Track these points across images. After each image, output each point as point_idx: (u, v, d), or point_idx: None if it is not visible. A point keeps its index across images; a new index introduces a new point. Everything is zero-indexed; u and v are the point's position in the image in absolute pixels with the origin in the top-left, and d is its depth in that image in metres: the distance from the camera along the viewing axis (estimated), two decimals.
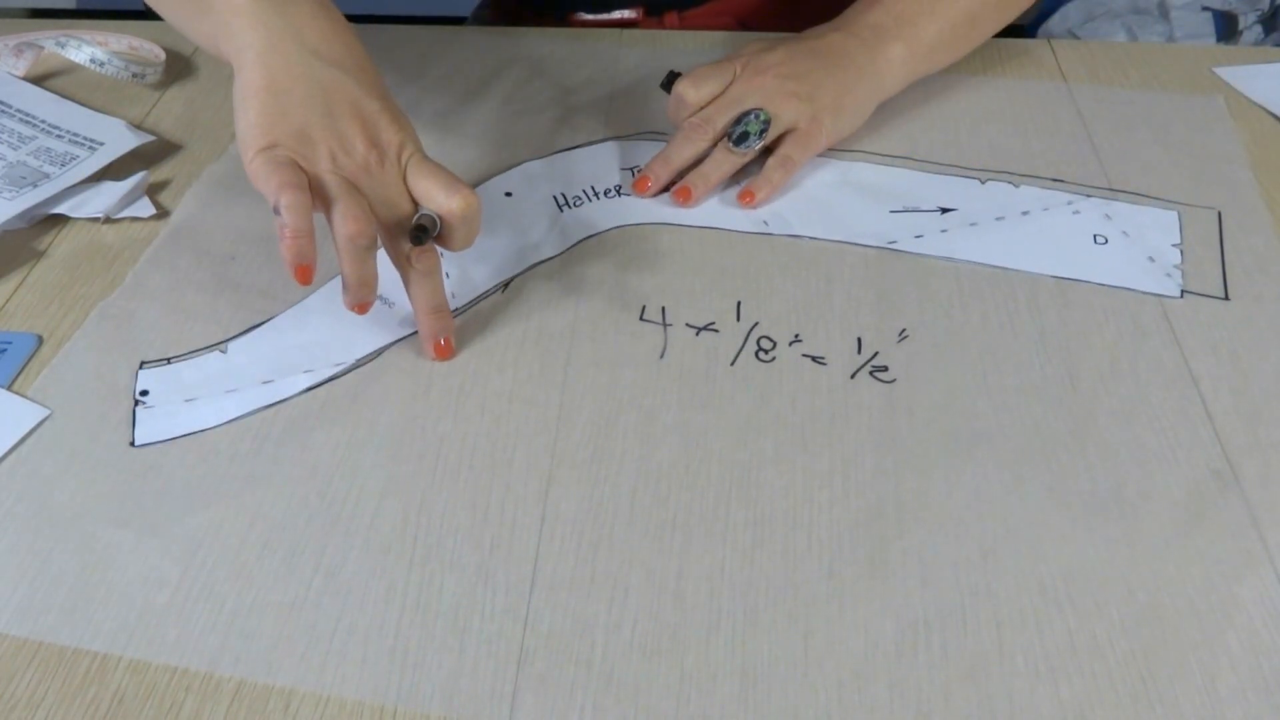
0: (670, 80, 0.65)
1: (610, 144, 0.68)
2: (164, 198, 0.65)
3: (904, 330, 0.54)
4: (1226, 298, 0.56)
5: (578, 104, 0.72)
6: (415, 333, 0.54)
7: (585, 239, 0.60)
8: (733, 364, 0.53)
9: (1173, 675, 0.40)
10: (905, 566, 0.44)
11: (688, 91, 0.63)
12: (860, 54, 0.64)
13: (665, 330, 0.55)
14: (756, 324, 0.55)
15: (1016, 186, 0.63)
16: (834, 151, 0.66)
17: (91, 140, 0.67)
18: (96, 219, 0.62)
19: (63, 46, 0.74)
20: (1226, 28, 1.59)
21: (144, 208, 0.63)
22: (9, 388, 0.52)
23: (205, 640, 0.42)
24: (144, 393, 0.52)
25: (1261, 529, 0.45)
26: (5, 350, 0.54)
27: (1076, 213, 0.61)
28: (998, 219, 0.61)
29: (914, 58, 0.65)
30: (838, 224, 0.61)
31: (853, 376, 0.52)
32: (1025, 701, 0.39)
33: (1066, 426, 0.49)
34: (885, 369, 0.52)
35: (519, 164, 0.66)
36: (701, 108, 0.63)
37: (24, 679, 0.41)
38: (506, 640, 0.42)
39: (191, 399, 0.51)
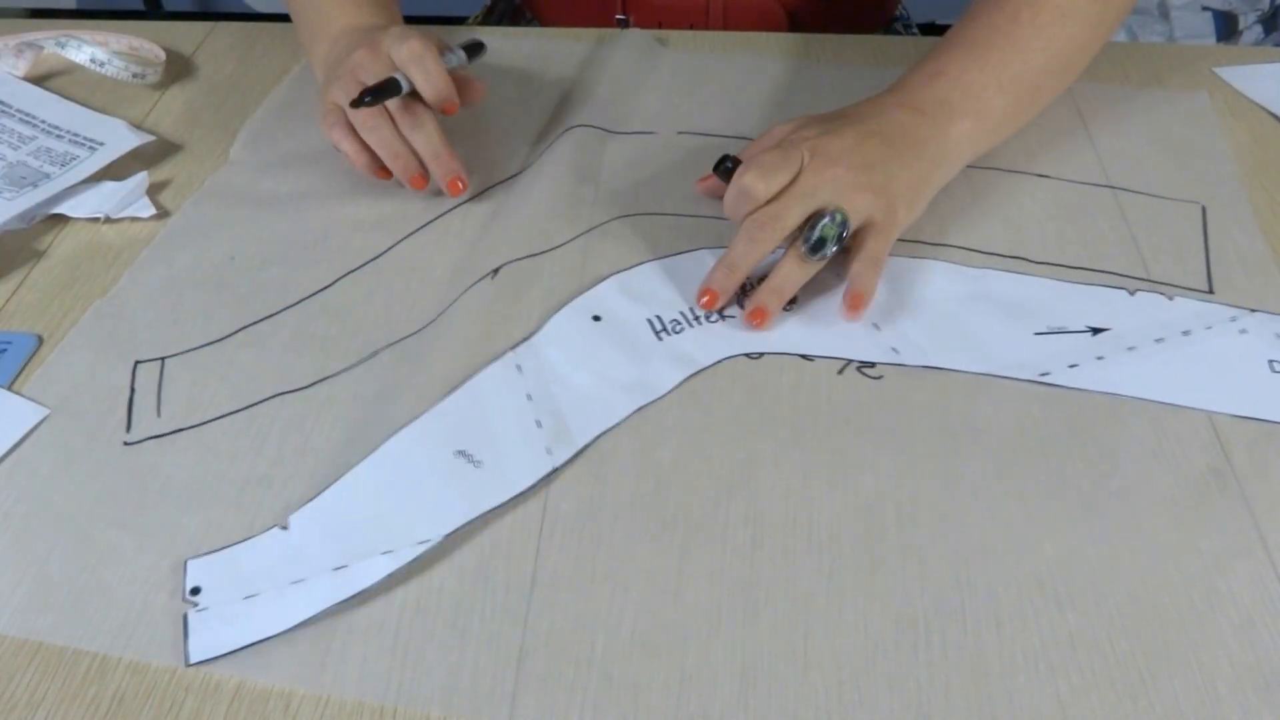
0: (728, 169, 0.57)
1: (703, 254, 0.59)
2: (164, 198, 0.65)
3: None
4: (1211, 290, 0.56)
5: (577, 104, 0.72)
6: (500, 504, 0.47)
7: (694, 375, 0.52)
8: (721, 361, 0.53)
9: (1171, 673, 0.40)
10: (904, 565, 0.44)
11: (756, 185, 0.54)
12: (931, 137, 0.58)
13: None
14: None
15: (1170, 299, 0.56)
16: (926, 246, 0.60)
17: (91, 140, 0.67)
18: (96, 219, 0.62)
19: (63, 46, 0.74)
20: (1226, 28, 1.60)
21: (144, 208, 0.63)
22: (9, 387, 0.52)
23: None
24: (195, 591, 0.43)
25: (1260, 527, 0.45)
26: (5, 350, 0.54)
27: (1244, 331, 0.54)
28: (1157, 341, 0.54)
29: (981, 133, 0.60)
30: (979, 351, 0.53)
31: (840, 373, 0.52)
32: (1025, 699, 0.39)
33: (1065, 424, 0.49)
34: (872, 365, 0.52)
35: (603, 278, 0.57)
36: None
37: (24, 678, 0.41)
38: (506, 640, 0.42)
39: (251, 595, 0.43)
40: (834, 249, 0.54)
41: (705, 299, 0.55)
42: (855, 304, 0.54)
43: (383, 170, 0.62)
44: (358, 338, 0.54)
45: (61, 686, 0.40)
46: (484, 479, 0.47)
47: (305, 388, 0.52)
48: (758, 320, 0.54)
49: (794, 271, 0.54)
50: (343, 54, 0.64)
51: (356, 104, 0.58)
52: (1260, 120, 0.70)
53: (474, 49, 0.65)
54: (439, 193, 0.63)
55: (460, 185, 0.62)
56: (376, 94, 0.58)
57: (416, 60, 0.59)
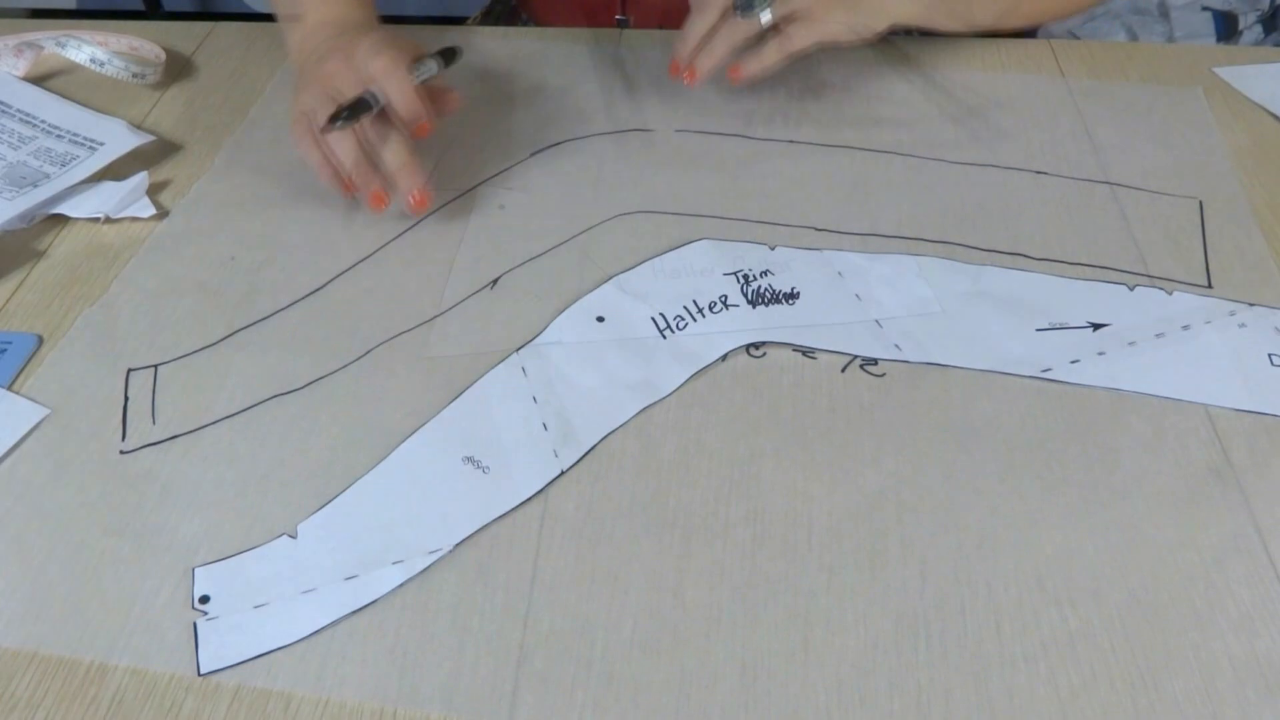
0: None
1: (704, 243, 0.60)
2: (164, 198, 0.65)
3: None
4: (1209, 285, 0.56)
5: (577, 103, 0.72)
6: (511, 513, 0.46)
7: (701, 371, 0.52)
8: (724, 359, 0.53)
9: (1171, 670, 0.40)
10: (904, 562, 0.44)
11: None
12: None
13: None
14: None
15: (1170, 294, 0.56)
16: (941, 246, 0.60)
17: (91, 140, 0.67)
18: (96, 219, 0.62)
19: (63, 46, 0.74)
20: (1226, 28, 1.59)
21: (144, 208, 0.63)
22: (9, 387, 0.52)
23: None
24: (204, 599, 0.43)
25: (1259, 526, 0.45)
26: (5, 350, 0.54)
27: (1243, 325, 0.54)
28: (1158, 336, 0.54)
29: None
30: (981, 348, 0.53)
31: (843, 370, 0.52)
32: (1024, 696, 0.39)
33: (1066, 421, 0.49)
34: (875, 362, 0.52)
35: (602, 278, 0.57)
36: None
37: (24, 679, 0.41)
38: (506, 640, 0.42)
39: (261, 604, 0.43)
40: (763, 11, 0.59)
41: (671, 69, 0.64)
42: (733, 72, 0.62)
43: (347, 184, 0.61)
44: (355, 337, 0.54)
45: (61, 687, 0.40)
46: (492, 485, 0.47)
47: (302, 388, 0.52)
48: (689, 78, 0.62)
49: (725, 30, 0.61)
50: (319, 48, 0.63)
51: (329, 127, 0.57)
52: (1260, 120, 0.70)
53: (449, 55, 0.63)
54: (404, 214, 0.61)
55: (424, 200, 0.59)
56: (349, 114, 0.57)
57: (388, 77, 0.58)
